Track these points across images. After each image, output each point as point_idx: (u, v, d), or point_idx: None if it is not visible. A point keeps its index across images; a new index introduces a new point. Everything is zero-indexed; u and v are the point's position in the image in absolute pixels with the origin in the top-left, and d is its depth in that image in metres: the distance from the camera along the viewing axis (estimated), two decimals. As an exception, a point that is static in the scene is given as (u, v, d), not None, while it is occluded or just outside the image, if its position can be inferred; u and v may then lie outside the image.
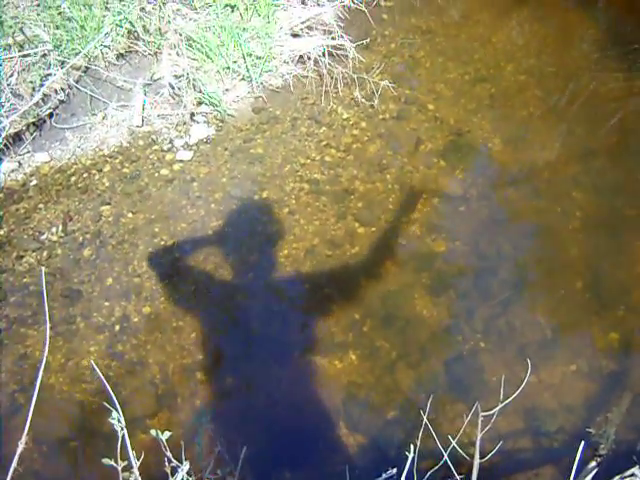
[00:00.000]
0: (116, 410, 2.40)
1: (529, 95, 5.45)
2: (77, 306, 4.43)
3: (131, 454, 2.44)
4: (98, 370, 2.71)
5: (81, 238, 4.79)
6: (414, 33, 6.08)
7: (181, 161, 5.18)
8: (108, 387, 2.54)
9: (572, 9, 6.41)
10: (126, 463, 2.40)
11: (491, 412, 2.54)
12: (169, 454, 2.51)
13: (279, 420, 3.86)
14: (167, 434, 2.47)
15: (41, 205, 5.03)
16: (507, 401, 2.61)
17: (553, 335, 4.05)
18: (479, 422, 2.52)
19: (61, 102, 5.48)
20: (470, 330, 4.09)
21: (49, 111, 5.43)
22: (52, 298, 4.43)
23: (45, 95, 5.37)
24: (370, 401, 3.89)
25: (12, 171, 5.30)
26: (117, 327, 4.30)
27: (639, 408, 3.73)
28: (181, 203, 4.89)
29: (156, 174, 5.12)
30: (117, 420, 2.40)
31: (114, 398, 2.45)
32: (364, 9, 6.09)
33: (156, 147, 5.31)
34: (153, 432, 2.51)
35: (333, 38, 5.69)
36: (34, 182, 5.19)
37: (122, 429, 2.38)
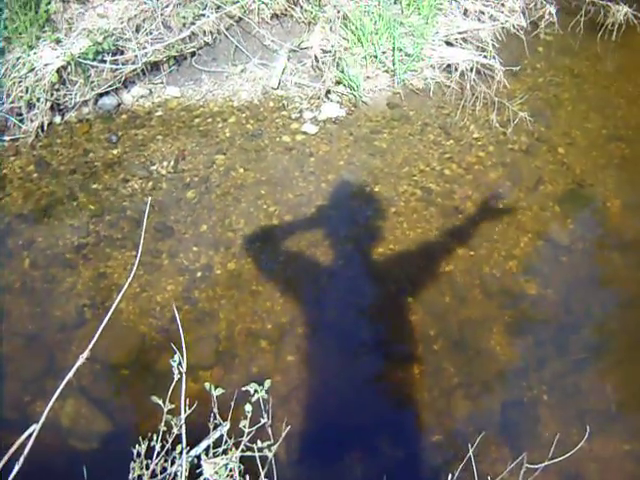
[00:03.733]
0: (181, 354, 2.44)
1: (662, 164, 5.33)
2: (166, 242, 4.50)
3: (183, 400, 2.47)
4: (177, 314, 2.74)
5: (188, 179, 4.86)
6: (564, 73, 5.99)
7: (305, 133, 5.21)
8: (181, 330, 2.58)
9: None
10: (173, 406, 2.44)
11: (537, 466, 2.51)
12: (216, 410, 2.54)
13: (325, 409, 3.85)
14: (220, 390, 2.50)
15: (159, 137, 5.12)
16: (555, 460, 2.58)
17: (616, 409, 3.96)
18: (521, 473, 2.49)
19: (206, 44, 5.57)
20: (537, 380, 4.01)
21: (193, 50, 5.52)
22: (145, 229, 4.47)
23: (193, 34, 5.46)
24: (419, 419, 3.86)
25: (141, 97, 5.41)
26: (199, 274, 4.34)
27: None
28: (294, 174, 4.92)
29: (277, 139, 5.16)
30: (178, 364, 2.43)
31: (183, 342, 2.48)
32: (522, 36, 6.03)
33: (285, 113, 5.35)
34: (207, 385, 2.53)
35: (485, 57, 5.64)
36: (159, 113, 5.29)
37: (181, 374, 2.42)
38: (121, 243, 4.48)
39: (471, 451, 2.79)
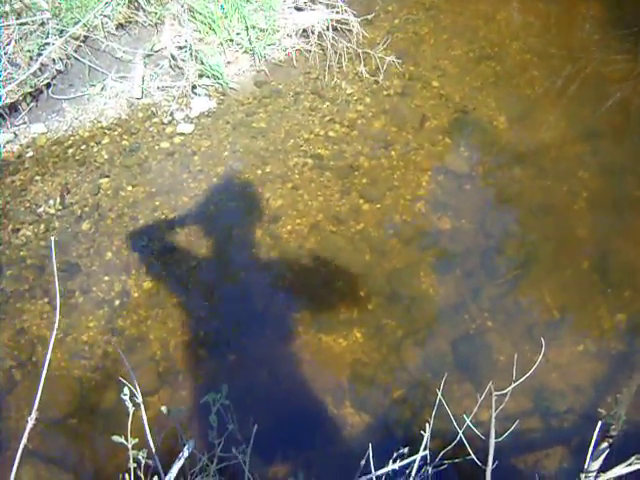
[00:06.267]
0: (133, 387, 2.35)
1: (534, 74, 5.40)
2: (76, 280, 4.37)
3: (147, 429, 2.39)
4: (107, 347, 2.64)
5: (79, 211, 4.72)
6: (417, 9, 6.02)
7: (182, 134, 5.11)
8: (127, 362, 2.48)
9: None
10: (137, 440, 2.35)
11: (505, 391, 2.49)
12: (181, 431, 2.47)
13: (283, 399, 3.81)
14: (176, 410, 2.43)
15: (38, 177, 4.96)
16: (521, 380, 2.58)
17: (560, 315, 4.01)
18: (493, 401, 2.48)
19: (59, 72, 5.41)
20: (477, 309, 4.04)
21: (46, 81, 5.36)
22: (50, 272, 4.37)
23: (43, 65, 5.30)
24: (376, 380, 3.83)
25: (8, 142, 5.22)
26: (117, 302, 4.24)
27: (649, 389, 3.70)
28: (182, 177, 4.83)
29: (156, 147, 5.05)
30: (132, 396, 2.34)
31: (131, 373, 2.40)
32: (368, -17, 6.03)
33: (156, 120, 5.24)
34: (163, 409, 2.46)
35: (337, 12, 5.61)
36: (30, 154, 5.12)
37: (133, 407, 2.33)
38: (30, 294, 4.33)
39: (440, 394, 2.78)
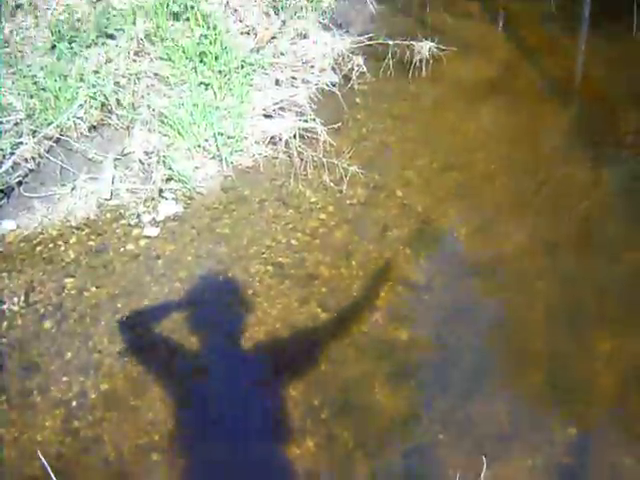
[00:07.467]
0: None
1: (497, 184, 5.51)
2: (35, 379, 4.34)
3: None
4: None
5: (43, 310, 4.73)
6: (385, 118, 6.17)
7: (148, 237, 5.17)
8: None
9: (542, 99, 6.57)
10: None
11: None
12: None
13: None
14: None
15: (4, 274, 4.98)
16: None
17: (511, 429, 4.01)
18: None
19: (31, 171, 5.48)
20: (429, 421, 4.04)
21: (18, 179, 5.42)
22: (9, 370, 4.34)
23: (15, 163, 5.37)
24: (324, 493, 3.83)
25: (-24, 238, 5.27)
26: (74, 403, 4.20)
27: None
28: (145, 280, 4.86)
29: (122, 249, 5.10)
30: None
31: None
32: (337, 92, 6.17)
33: (123, 221, 5.30)
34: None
35: (305, 121, 5.74)
36: (-2, 250, 5.16)
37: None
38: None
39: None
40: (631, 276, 4.72)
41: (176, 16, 6.18)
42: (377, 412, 4.10)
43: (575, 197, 5.36)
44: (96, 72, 5.78)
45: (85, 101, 5.60)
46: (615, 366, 4.21)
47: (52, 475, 2.44)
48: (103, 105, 5.69)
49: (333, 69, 6.51)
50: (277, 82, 6.17)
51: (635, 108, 6.33)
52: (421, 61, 6.64)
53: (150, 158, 5.52)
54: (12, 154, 5.34)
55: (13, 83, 5.61)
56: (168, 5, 6.12)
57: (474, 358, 4.37)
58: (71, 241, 5.18)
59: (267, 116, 5.86)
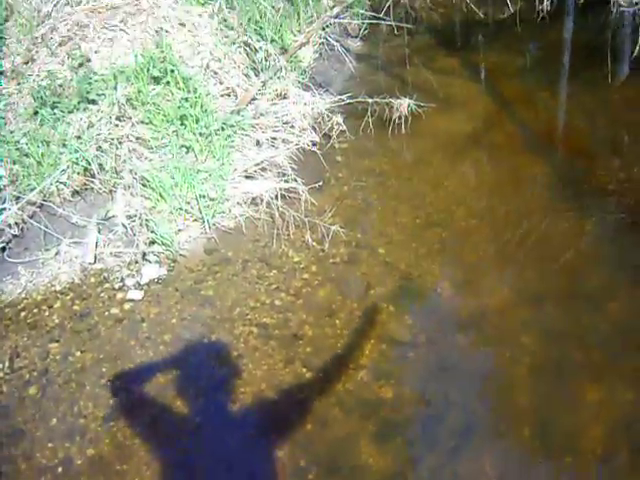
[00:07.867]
0: None
1: (479, 239, 5.55)
2: (19, 446, 4.32)
3: None
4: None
5: (27, 375, 4.73)
6: (367, 175, 6.23)
7: (132, 300, 5.18)
8: None
9: (523, 152, 6.63)
10: None
11: None
12: None
13: None
14: None
15: (-12, 340, 4.98)
16: None
17: (497, 486, 4.01)
18: None
19: (14, 236, 5.50)
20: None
21: (2, 245, 5.45)
22: (-7, 440, 4.32)
23: (-1, 229, 5.39)
24: None
25: (-40, 304, 5.27)
26: (60, 469, 4.17)
27: None
28: (130, 344, 4.86)
29: (106, 313, 5.10)
30: None
31: None
32: (318, 151, 6.23)
33: (107, 285, 5.31)
34: None
35: (286, 181, 5.80)
36: (-18, 316, 5.16)
37: None
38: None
39: None
40: (616, 326, 4.72)
41: (157, 80, 6.23)
42: (364, 471, 4.08)
43: (558, 248, 5.38)
44: (78, 137, 5.83)
45: (68, 166, 5.64)
46: (603, 417, 4.19)
47: None
48: (86, 170, 5.72)
49: (313, 128, 6.58)
50: (258, 143, 6.24)
51: (615, 157, 6.40)
52: (400, 118, 6.73)
53: (133, 222, 5.55)
54: (-4, 220, 5.36)
55: (-5, 150, 5.65)
56: (149, 69, 6.17)
57: (461, 414, 4.36)
58: (55, 306, 5.18)
59: (248, 177, 5.91)
